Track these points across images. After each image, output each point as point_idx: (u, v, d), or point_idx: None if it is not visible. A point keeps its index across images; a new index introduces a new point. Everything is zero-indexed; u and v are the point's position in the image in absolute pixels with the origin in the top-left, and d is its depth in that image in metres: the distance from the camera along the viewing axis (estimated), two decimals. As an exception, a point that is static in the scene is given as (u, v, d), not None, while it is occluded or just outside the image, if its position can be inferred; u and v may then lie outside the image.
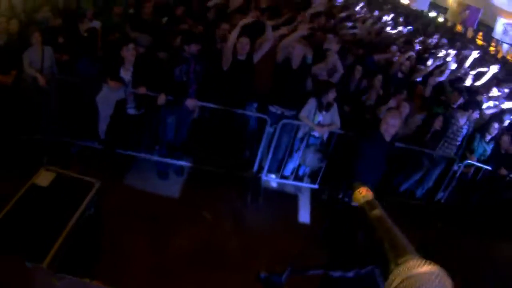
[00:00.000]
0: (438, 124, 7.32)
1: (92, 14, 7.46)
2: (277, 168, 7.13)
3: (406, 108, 7.00)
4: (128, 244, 5.07)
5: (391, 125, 5.44)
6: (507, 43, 19.64)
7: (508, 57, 19.16)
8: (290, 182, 7.20)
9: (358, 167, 5.37)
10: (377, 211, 1.98)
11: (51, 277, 2.76)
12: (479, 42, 20.50)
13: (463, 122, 7.40)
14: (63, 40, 6.84)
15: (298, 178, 7.26)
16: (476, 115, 7.53)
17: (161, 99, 6.13)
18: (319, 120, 6.58)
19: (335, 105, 6.65)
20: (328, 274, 1.94)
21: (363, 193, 2.15)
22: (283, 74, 6.57)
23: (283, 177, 7.20)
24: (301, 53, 6.52)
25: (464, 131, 7.45)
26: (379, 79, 7.55)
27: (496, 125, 7.52)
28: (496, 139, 7.78)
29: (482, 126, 7.82)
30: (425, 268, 1.50)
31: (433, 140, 7.34)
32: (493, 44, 20.57)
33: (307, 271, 1.91)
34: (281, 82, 6.60)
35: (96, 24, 7.20)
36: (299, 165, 7.07)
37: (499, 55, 19.09)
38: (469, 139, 7.62)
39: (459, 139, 7.43)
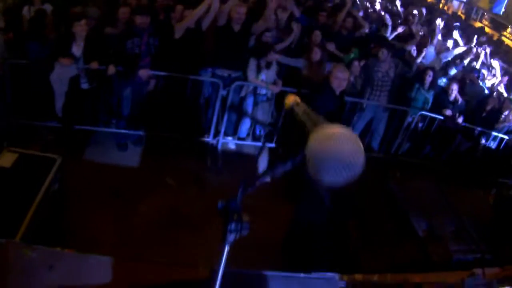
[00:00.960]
0: (355, 70, 7.34)
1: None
2: (234, 130, 7.33)
3: (317, 54, 7.09)
4: (95, 217, 5.12)
5: (342, 79, 5.68)
6: (456, 0, 20.00)
7: (459, 13, 19.60)
8: (248, 142, 7.44)
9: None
10: (302, 106, 2.30)
11: (23, 249, 2.92)
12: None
13: (386, 67, 7.48)
14: (4, 24, 6.78)
15: (256, 138, 7.49)
16: (385, 55, 7.43)
17: (111, 70, 6.20)
18: (262, 79, 6.78)
19: (274, 63, 6.85)
20: (273, 174, 2.11)
21: (291, 99, 2.49)
22: (225, 38, 6.67)
23: (240, 139, 7.42)
24: (242, 16, 6.58)
25: (391, 75, 7.56)
26: (317, 34, 7.53)
27: (430, 73, 7.62)
28: (443, 88, 8.02)
29: (418, 74, 7.94)
30: (337, 129, 1.73)
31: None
32: (442, 1, 20.97)
33: (257, 181, 2.08)
34: (224, 46, 6.70)
35: (47, 7, 7.13)
36: (255, 126, 7.31)
37: (450, 11, 19.51)
38: (407, 88, 7.74)
39: (389, 83, 7.53)
